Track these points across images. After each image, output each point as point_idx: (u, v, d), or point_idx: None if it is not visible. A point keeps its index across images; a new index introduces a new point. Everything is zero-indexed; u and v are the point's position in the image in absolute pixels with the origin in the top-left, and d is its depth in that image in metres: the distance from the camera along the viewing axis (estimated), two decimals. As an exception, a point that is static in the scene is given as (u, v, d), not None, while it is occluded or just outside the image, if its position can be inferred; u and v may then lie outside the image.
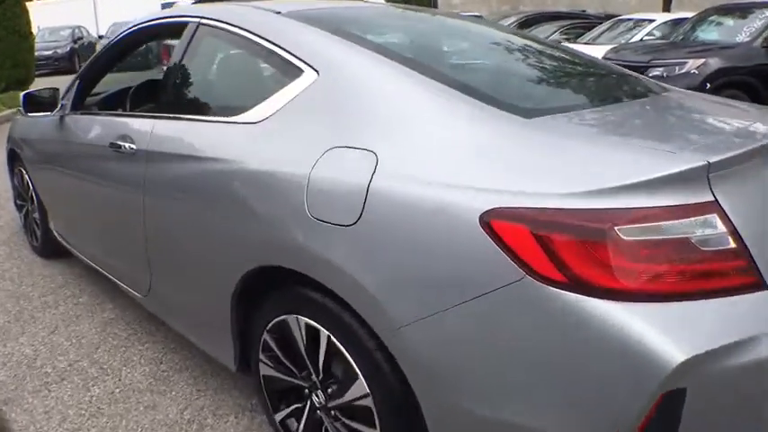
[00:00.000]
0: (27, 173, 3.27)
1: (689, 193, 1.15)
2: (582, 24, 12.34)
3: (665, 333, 1.07)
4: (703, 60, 5.91)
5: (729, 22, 7.03)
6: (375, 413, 1.45)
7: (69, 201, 2.79)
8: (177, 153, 1.90)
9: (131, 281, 2.39)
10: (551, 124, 1.38)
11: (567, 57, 2.09)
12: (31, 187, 3.26)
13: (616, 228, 1.13)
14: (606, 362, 1.10)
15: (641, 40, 8.74)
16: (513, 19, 14.14)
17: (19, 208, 3.67)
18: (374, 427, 1.47)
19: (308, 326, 1.56)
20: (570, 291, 1.13)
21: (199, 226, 1.81)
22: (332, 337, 1.49)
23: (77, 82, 2.79)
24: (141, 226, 2.10)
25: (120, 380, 2.29)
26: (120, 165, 2.20)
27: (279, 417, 1.76)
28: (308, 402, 1.66)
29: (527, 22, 13.39)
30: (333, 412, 1.58)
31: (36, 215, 3.32)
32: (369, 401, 1.45)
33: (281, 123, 1.62)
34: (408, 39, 1.98)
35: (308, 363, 1.60)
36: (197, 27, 2.08)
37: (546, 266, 1.15)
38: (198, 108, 2.05)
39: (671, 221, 1.13)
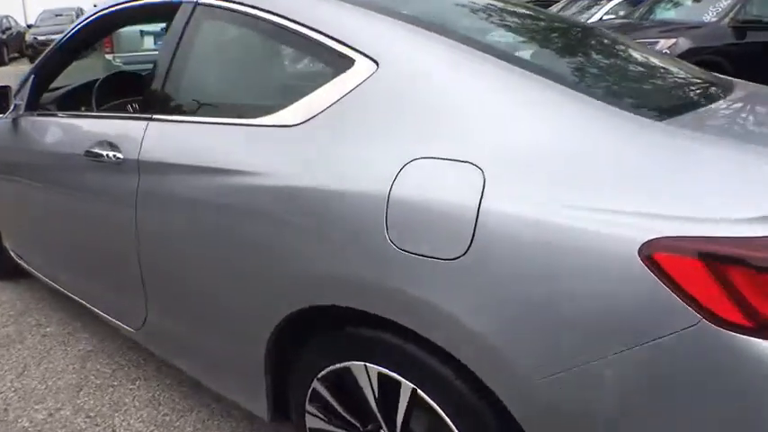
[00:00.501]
0: None
1: None
2: (537, 3, 12.29)
3: None
4: (674, 40, 5.89)
5: (689, 1, 7.09)
6: None
7: (30, 218, 2.39)
8: (184, 164, 1.56)
9: (118, 311, 2.04)
10: (691, 129, 1.15)
11: (633, 45, 1.86)
12: None
13: None
14: None
15: (601, 19, 8.75)
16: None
17: None
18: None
19: (381, 375, 1.29)
20: (758, 337, 0.91)
21: (220, 254, 1.49)
22: (418, 390, 1.23)
23: (32, 78, 2.37)
24: (134, 249, 1.75)
25: (114, 431, 1.94)
26: (100, 177, 1.84)
27: (330, 474, 1.49)
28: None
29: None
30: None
31: None
32: None
33: (330, 127, 1.32)
34: (478, 23, 1.67)
35: (380, 417, 1.33)
36: (194, 8, 1.72)
37: (727, 308, 0.92)
38: (209, 107, 1.70)
39: None
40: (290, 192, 1.32)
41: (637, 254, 0.96)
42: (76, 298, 2.29)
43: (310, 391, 1.44)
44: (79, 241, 2.08)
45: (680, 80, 1.62)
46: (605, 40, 1.80)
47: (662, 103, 1.34)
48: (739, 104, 1.43)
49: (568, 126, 1.12)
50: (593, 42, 1.77)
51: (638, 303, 0.96)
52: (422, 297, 1.13)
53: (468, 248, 1.08)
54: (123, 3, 2.02)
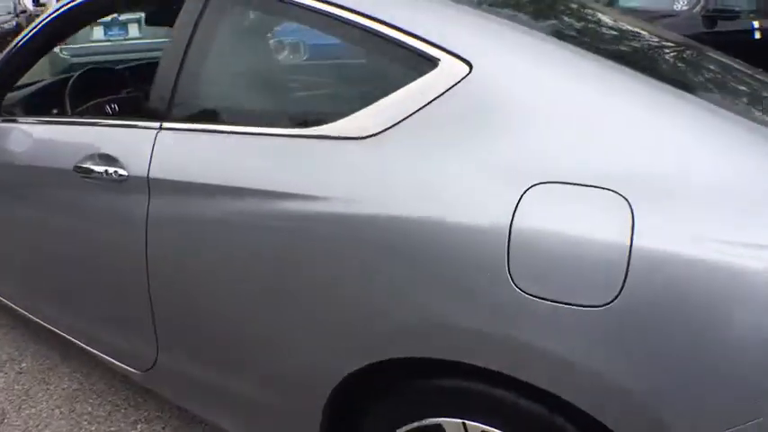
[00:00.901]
0: None
1: None
2: None
3: None
4: (648, 29, 5.91)
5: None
6: None
7: None
8: (213, 183, 1.31)
9: (117, 351, 1.76)
10: None
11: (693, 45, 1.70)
12: None
13: None
14: None
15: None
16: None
17: None
18: None
19: (478, 433, 1.10)
20: None
21: (267, 291, 1.26)
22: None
23: None
24: (142, 282, 1.49)
25: (123, 489, 1.68)
26: (96, 197, 1.57)
27: None
28: None
29: None
30: None
31: None
32: None
33: (414, 140, 1.10)
34: (572, 23, 1.45)
35: (477, 480, 1.15)
36: None
37: None
38: (243, 114, 1.44)
39: None
40: (366, 220, 1.10)
41: None
42: (62, 333, 2.00)
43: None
44: (66, 270, 1.78)
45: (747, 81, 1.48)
46: (710, 54, 1.61)
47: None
48: None
49: (721, 149, 0.96)
50: (698, 56, 1.54)
51: None
52: (555, 351, 0.95)
53: (618, 294, 0.91)
54: None
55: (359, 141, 1.16)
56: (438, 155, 1.08)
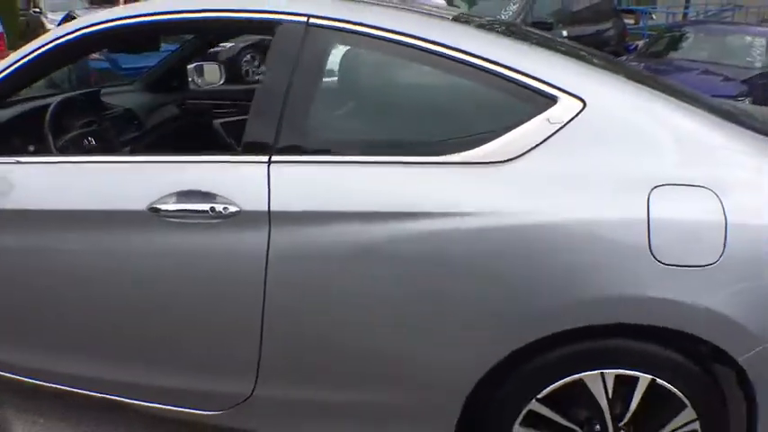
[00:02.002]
0: None
1: None
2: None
3: None
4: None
5: (481, 3, 8.24)
6: (700, 428, 1.51)
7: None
8: (352, 210, 1.50)
9: (182, 396, 1.78)
10: None
11: None
12: None
13: None
14: None
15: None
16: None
17: None
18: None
19: (618, 377, 1.48)
20: None
21: (418, 300, 1.49)
22: (657, 380, 1.47)
23: None
24: (254, 314, 1.58)
25: None
26: (185, 236, 1.59)
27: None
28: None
29: None
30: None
31: None
32: (695, 425, 1.51)
33: (551, 161, 1.44)
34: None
35: (607, 412, 1.52)
36: (305, 29, 1.60)
37: None
38: (368, 145, 1.59)
39: None
40: (523, 225, 1.42)
41: None
42: (88, 392, 1.89)
43: (524, 413, 1.55)
44: (134, 321, 1.73)
45: None
46: None
47: None
48: None
49: (757, 151, 1.49)
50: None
51: None
52: (684, 301, 1.38)
53: (722, 253, 1.36)
54: (166, 13, 1.77)
55: (499, 165, 1.46)
56: (572, 171, 1.44)
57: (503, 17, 7.37)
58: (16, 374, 1.98)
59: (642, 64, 6.10)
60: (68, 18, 9.24)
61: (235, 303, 1.59)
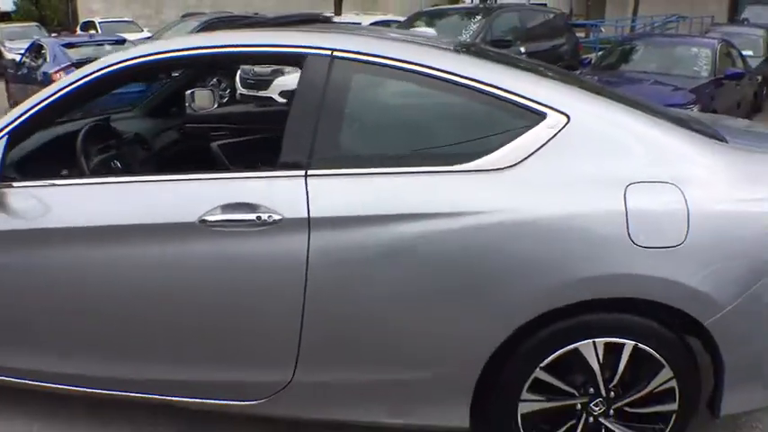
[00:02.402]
0: None
1: None
2: (224, 19, 12.56)
3: None
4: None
5: (441, 23, 8.68)
6: (677, 390, 1.83)
7: (37, 311, 2.04)
8: (381, 214, 1.77)
9: (225, 389, 2.01)
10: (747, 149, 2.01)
11: None
12: None
13: None
14: None
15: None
16: (194, 24, 13.58)
17: None
18: (673, 401, 1.85)
19: (607, 344, 1.79)
20: None
21: (439, 286, 1.78)
22: (639, 344, 1.78)
23: (4, 139, 2.02)
24: (293, 312, 1.84)
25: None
26: (233, 243, 1.83)
27: (539, 449, 1.91)
28: (582, 415, 1.88)
29: (213, 27, 12.93)
30: (619, 411, 1.86)
31: None
32: (672, 383, 1.82)
33: (547, 165, 1.76)
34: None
35: (599, 376, 1.83)
36: (330, 61, 1.89)
37: None
38: (386, 159, 1.87)
39: None
40: (525, 220, 1.73)
41: None
42: (120, 393, 2.09)
43: (530, 380, 1.84)
44: (175, 320, 1.95)
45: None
46: None
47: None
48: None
49: (708, 151, 1.84)
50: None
51: None
52: (657, 276, 1.70)
53: (686, 236, 1.69)
54: (196, 48, 2.04)
55: (503, 171, 1.77)
56: (561, 174, 1.76)
57: (464, 36, 7.81)
58: (47, 383, 2.15)
59: (596, 77, 6.56)
60: (36, 46, 9.27)
61: (279, 299, 1.84)
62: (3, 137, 2.04)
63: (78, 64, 8.13)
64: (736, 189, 1.79)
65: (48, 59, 8.46)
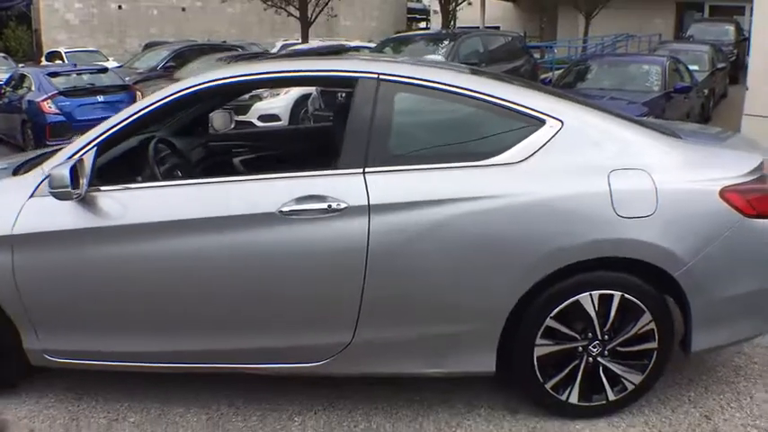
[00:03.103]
0: None
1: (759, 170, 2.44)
2: (246, 55, 12.94)
3: None
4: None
5: (409, 49, 9.32)
6: (656, 330, 2.37)
7: (125, 298, 2.46)
8: (424, 199, 2.28)
9: (289, 354, 2.46)
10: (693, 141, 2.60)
11: None
12: None
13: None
14: None
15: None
16: (165, 53, 13.93)
17: None
18: (653, 340, 2.38)
19: (601, 296, 2.33)
20: (756, 218, 2.34)
21: (471, 255, 2.29)
22: (625, 295, 2.32)
23: (94, 150, 2.44)
24: (356, 282, 2.31)
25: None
26: (307, 228, 2.29)
27: (549, 384, 2.42)
28: (584, 356, 2.40)
29: (182, 56, 13.28)
30: (612, 350, 2.39)
31: None
32: (652, 325, 2.36)
33: (549, 159, 2.31)
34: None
35: (596, 322, 2.35)
36: (377, 83, 2.41)
37: (750, 209, 2.33)
38: (428, 157, 2.39)
39: (763, 184, 2.41)
40: (535, 200, 2.27)
41: (718, 194, 2.29)
42: (199, 365, 2.53)
43: (542, 328, 2.36)
44: (247, 298, 2.39)
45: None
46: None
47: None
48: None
49: (653, 147, 2.41)
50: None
51: (720, 214, 2.31)
52: (637, 239, 2.25)
53: (655, 208, 2.25)
54: (270, 72, 2.57)
55: (514, 165, 2.32)
56: (559, 166, 2.30)
57: (438, 54, 8.46)
58: (134, 362, 2.58)
59: (561, 94, 7.23)
60: (18, 76, 9.51)
61: (345, 272, 2.31)
62: (92, 148, 2.47)
63: (65, 92, 8.51)
64: (690, 173, 2.37)
65: (33, 88, 8.72)
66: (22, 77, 9.39)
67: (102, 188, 2.45)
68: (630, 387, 2.45)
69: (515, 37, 11.71)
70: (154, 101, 2.53)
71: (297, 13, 16.06)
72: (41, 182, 2.46)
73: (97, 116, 8.51)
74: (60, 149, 2.64)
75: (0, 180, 2.71)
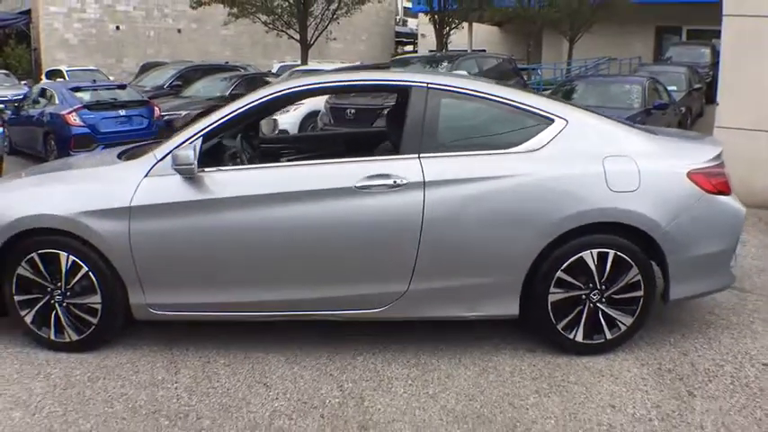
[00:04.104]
0: (91, 253, 3.14)
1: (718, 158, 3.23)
2: (250, 75, 13.70)
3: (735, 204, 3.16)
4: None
5: (408, 69, 10.12)
6: (642, 281, 3.08)
7: (226, 259, 3.10)
8: (466, 177, 3.00)
9: (358, 302, 3.14)
10: (660, 133, 3.35)
11: None
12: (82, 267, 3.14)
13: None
14: (730, 215, 3.13)
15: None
16: (172, 72, 14.64)
17: (23, 305, 3.25)
18: (640, 289, 3.09)
19: (599, 253, 3.04)
20: (717, 195, 3.10)
21: (502, 219, 3.00)
22: (618, 253, 3.04)
23: (200, 139, 3.11)
24: (413, 240, 3.00)
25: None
26: (377, 199, 3.00)
27: (560, 325, 3.12)
28: (586, 302, 3.11)
29: (185, 76, 14.05)
30: (608, 298, 3.09)
31: (84, 301, 3.21)
32: (638, 277, 3.07)
33: (558, 149, 3.04)
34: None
35: (596, 274, 3.06)
36: (427, 90, 3.15)
37: (711, 188, 3.08)
38: (468, 145, 3.16)
39: (721, 168, 3.19)
40: (549, 178, 2.99)
41: (686, 175, 3.05)
42: (281, 313, 3.20)
43: (555, 279, 3.06)
44: (326, 254, 3.06)
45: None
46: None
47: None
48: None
49: (636, 138, 3.18)
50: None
51: (686, 190, 3.07)
52: (626, 208, 2.98)
53: (639, 183, 2.99)
54: (342, 81, 3.33)
55: (534, 152, 3.06)
56: (566, 153, 3.04)
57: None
58: (226, 312, 3.24)
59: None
60: (39, 91, 10.13)
61: (405, 233, 3.01)
62: (200, 137, 3.15)
63: (89, 106, 9.15)
64: (664, 159, 3.12)
65: (56, 102, 9.35)
66: (43, 92, 10.03)
67: (206, 169, 3.11)
68: (623, 328, 3.15)
69: (506, 59, 12.62)
70: (251, 100, 3.25)
71: (297, 36, 16.89)
72: (154, 164, 3.13)
73: (119, 129, 9.21)
74: (164, 141, 3.33)
75: (116, 163, 3.38)
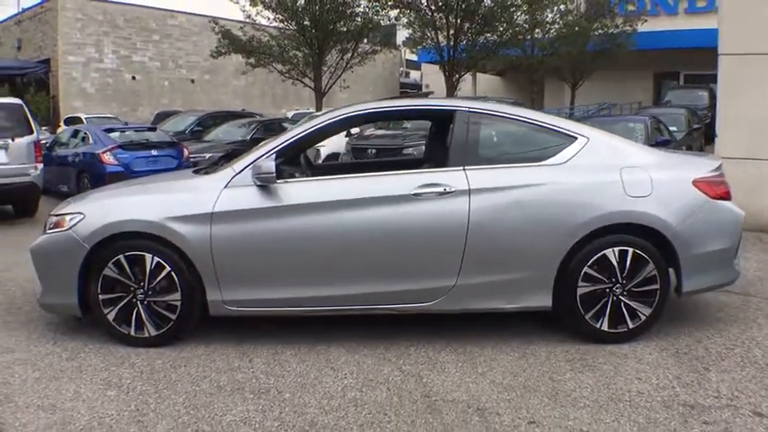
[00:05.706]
0: (174, 255, 3.62)
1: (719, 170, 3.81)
2: (266, 121, 14.45)
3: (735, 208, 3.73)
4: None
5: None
6: (658, 276, 3.58)
7: (299, 260, 3.59)
8: (504, 185, 3.55)
9: (410, 298, 3.63)
10: (672, 153, 3.90)
11: None
12: (172, 269, 3.62)
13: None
14: (730, 217, 3.69)
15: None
16: (192, 118, 15.47)
17: (107, 303, 3.71)
18: (656, 283, 3.58)
19: (620, 251, 3.55)
20: (719, 200, 3.67)
21: (537, 220, 3.52)
22: (636, 250, 3.56)
23: (274, 156, 3.66)
24: (460, 240, 3.52)
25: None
26: (429, 204, 3.53)
27: (588, 315, 3.60)
28: (610, 295, 3.60)
29: (203, 123, 14.89)
30: (629, 291, 3.58)
31: (164, 298, 3.66)
32: (655, 272, 3.57)
33: (582, 161, 3.61)
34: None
35: (617, 269, 3.57)
36: (468, 114, 3.75)
37: (714, 194, 3.64)
38: (504, 158, 3.75)
39: (721, 178, 3.76)
40: (575, 186, 3.55)
41: (691, 183, 3.63)
42: (344, 307, 3.68)
43: (582, 274, 3.56)
44: (385, 253, 3.57)
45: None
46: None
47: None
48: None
49: (653, 153, 3.75)
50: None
51: (692, 196, 3.64)
52: (641, 210, 3.53)
53: (651, 191, 3.55)
54: (399, 107, 3.94)
55: (561, 165, 3.62)
56: (589, 164, 3.61)
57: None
58: (294, 307, 3.74)
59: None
60: (73, 132, 10.80)
61: (454, 233, 3.54)
62: (273, 153, 3.71)
63: (123, 146, 9.79)
64: (671, 170, 3.70)
65: (91, 142, 10.00)
66: (75, 133, 10.70)
67: (278, 181, 3.64)
68: (643, 318, 3.64)
69: (514, 102, 13.42)
70: (316, 124, 3.84)
71: (312, 85, 17.76)
72: (233, 177, 3.68)
73: (151, 168, 9.81)
74: (243, 156, 3.89)
75: (197, 177, 3.97)
